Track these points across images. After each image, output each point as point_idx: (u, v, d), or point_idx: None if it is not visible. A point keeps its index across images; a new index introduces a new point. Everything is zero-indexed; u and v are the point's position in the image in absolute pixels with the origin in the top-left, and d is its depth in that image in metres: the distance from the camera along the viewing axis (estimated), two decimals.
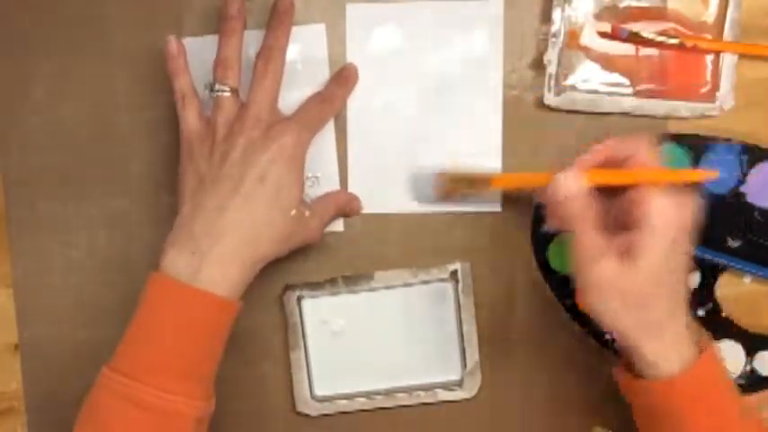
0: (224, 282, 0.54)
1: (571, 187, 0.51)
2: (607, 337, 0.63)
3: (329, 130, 0.62)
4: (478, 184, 0.59)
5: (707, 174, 0.54)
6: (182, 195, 0.57)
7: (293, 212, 0.57)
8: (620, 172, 0.52)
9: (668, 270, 0.51)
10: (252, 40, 0.60)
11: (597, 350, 0.63)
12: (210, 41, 0.60)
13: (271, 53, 0.57)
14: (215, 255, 0.54)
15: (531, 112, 0.62)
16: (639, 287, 0.50)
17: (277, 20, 0.58)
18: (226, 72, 0.57)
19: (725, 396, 0.54)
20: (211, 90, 0.57)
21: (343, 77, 0.61)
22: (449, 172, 0.61)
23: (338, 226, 0.64)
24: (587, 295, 0.52)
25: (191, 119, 0.58)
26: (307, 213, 0.59)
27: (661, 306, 0.51)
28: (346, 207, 0.63)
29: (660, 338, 0.52)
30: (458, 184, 0.60)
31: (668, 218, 0.50)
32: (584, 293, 0.52)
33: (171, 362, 0.54)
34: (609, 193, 0.53)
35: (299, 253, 0.61)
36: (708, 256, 0.61)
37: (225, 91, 0.57)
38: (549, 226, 0.58)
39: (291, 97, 0.60)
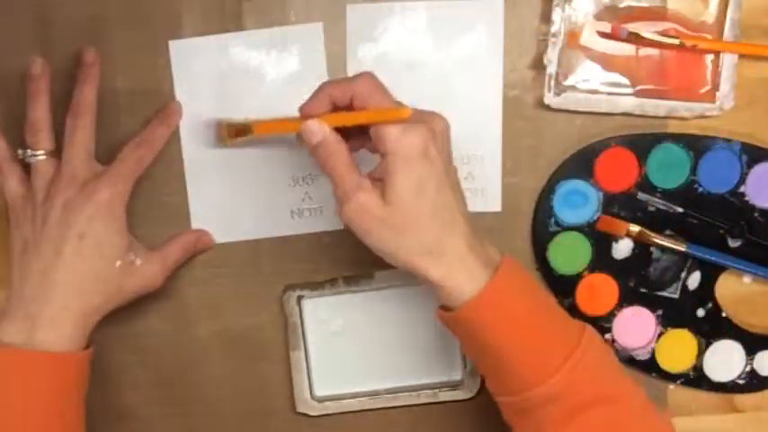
0: (60, 340, 0.55)
1: (316, 133, 0.52)
2: (606, 336, 0.63)
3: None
4: (244, 132, 0.60)
5: (405, 111, 0.51)
6: (11, 262, 0.57)
7: (118, 263, 0.57)
8: (344, 114, 0.53)
9: (424, 192, 0.50)
10: (252, 40, 0.60)
11: None
12: (211, 42, 0.60)
13: (78, 109, 0.58)
14: (46, 317, 0.55)
15: (531, 112, 0.62)
16: (397, 213, 0.50)
17: (83, 74, 0.59)
18: (36, 136, 0.58)
19: (534, 307, 0.52)
20: (24, 156, 0.58)
21: (165, 115, 0.61)
22: (225, 120, 0.61)
23: (339, 225, 0.63)
24: (354, 229, 0.51)
25: (12, 185, 0.58)
26: (138, 262, 0.58)
27: (430, 229, 0.51)
28: (196, 244, 0.62)
29: (442, 262, 0.51)
30: (229, 131, 0.60)
31: (403, 143, 0.50)
32: (352, 228, 0.52)
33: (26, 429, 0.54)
34: (363, 133, 0.53)
35: (298, 253, 0.61)
36: (708, 256, 0.61)
37: (38, 155, 0.58)
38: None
39: (290, 95, 0.59)
